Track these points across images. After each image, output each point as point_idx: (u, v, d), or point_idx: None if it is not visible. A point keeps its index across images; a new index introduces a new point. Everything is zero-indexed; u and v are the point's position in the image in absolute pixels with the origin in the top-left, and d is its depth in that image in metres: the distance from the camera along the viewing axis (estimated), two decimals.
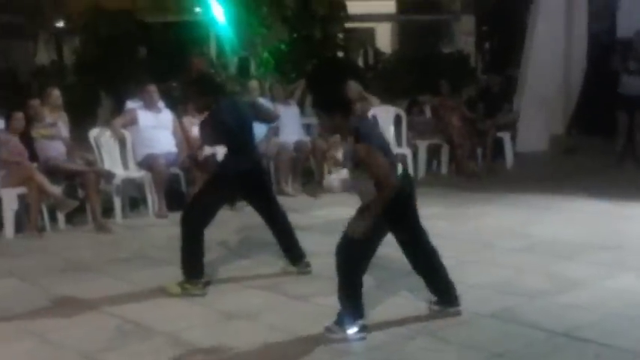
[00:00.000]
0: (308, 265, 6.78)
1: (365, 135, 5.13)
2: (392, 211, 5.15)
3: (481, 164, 11.78)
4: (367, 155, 5.05)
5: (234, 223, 8.70)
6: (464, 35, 19.71)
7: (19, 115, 8.83)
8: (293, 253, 6.80)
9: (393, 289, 6.19)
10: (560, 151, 12.85)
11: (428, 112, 12.20)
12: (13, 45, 21.74)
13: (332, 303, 5.82)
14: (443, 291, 5.62)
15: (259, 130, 9.59)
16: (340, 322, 5.28)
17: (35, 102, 9.31)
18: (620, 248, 7.34)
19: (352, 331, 5.25)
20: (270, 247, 7.13)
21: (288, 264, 6.80)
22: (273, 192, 7.29)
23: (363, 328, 5.28)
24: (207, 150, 8.95)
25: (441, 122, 11.64)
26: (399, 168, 5.35)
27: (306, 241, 7.78)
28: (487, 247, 7.49)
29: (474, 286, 6.26)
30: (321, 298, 6.01)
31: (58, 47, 21.55)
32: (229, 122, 6.43)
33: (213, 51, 15.24)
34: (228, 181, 6.48)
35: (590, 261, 6.96)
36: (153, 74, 12.71)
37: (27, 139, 8.83)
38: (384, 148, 5.25)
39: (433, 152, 11.73)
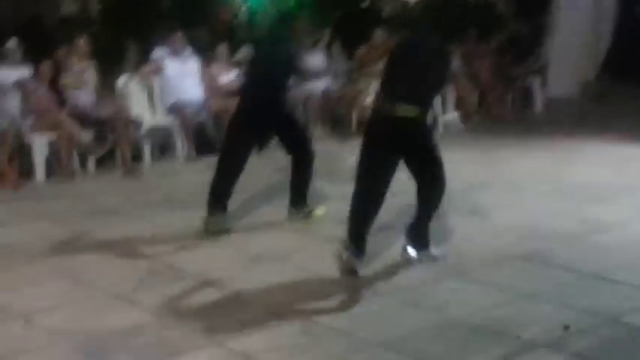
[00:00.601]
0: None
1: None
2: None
3: (511, 109, 11.69)
4: None
5: (262, 169, 8.71)
6: None
7: (47, 64, 8.85)
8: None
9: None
10: (591, 96, 12.70)
11: (457, 59, 12.04)
12: None
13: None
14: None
15: None
16: (424, 247, 5.52)
17: (62, 51, 9.32)
18: None
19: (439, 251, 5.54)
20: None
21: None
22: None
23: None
24: None
25: (470, 68, 11.51)
26: None
27: (335, 185, 7.82)
28: (518, 191, 7.46)
29: (504, 228, 6.25)
30: None
31: None
32: None
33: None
34: None
35: (622, 203, 6.93)
36: (179, 21, 12.65)
37: (55, 87, 8.85)
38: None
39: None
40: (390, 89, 5.32)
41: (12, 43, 9.44)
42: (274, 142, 9.32)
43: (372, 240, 5.49)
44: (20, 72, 9.08)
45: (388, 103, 5.26)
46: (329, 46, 12.55)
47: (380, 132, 5.33)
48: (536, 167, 8.41)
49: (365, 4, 15.94)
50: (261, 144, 9.47)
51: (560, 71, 12.50)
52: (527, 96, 11.91)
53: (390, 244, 5.82)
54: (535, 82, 11.94)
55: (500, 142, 9.59)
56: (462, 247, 5.79)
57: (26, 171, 8.44)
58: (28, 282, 5.44)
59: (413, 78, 5.23)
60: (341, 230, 6.26)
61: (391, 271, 5.46)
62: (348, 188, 7.32)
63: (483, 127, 10.87)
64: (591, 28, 13.17)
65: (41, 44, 11.66)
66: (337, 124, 10.68)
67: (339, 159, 8.93)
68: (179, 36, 9.89)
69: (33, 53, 9.50)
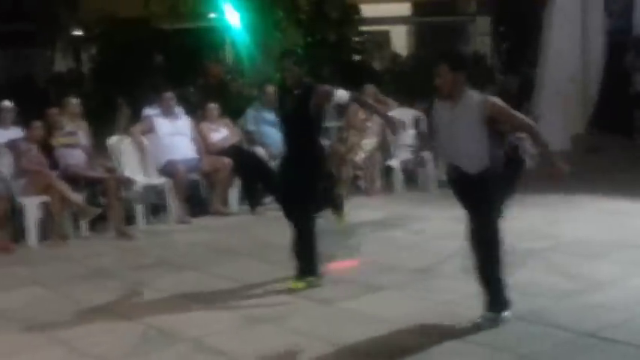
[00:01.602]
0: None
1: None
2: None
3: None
4: (502, 105, 5.26)
5: (256, 228, 8.71)
6: (480, 36, 19.64)
7: (38, 124, 8.88)
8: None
9: (414, 292, 6.17)
10: (583, 150, 12.76)
11: None
12: (30, 53, 21.85)
13: (356, 307, 5.83)
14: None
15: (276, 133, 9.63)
16: (494, 309, 5.41)
17: (54, 111, 9.37)
18: None
19: (505, 313, 5.43)
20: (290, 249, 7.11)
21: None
22: None
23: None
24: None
25: None
26: None
27: (328, 243, 7.79)
28: (512, 249, 7.42)
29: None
30: (345, 302, 6.02)
31: (75, 55, 21.62)
32: None
33: (229, 56, 15.26)
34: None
35: (616, 260, 6.91)
36: (170, 80, 12.73)
37: (47, 148, 8.86)
38: None
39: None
40: None
41: (5, 104, 9.47)
42: (268, 200, 9.40)
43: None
44: (11, 132, 9.10)
45: None
46: None
47: None
48: (529, 224, 8.39)
49: (356, 59, 16.12)
50: (254, 201, 9.53)
51: (550, 125, 12.54)
52: (517, 151, 11.91)
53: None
54: (525, 138, 11.97)
55: None
56: (457, 308, 5.76)
57: (19, 234, 8.39)
58: (22, 349, 5.40)
59: None
60: (333, 291, 6.26)
61: (388, 332, 5.41)
62: (341, 247, 7.37)
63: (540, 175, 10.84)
64: (580, 82, 13.31)
65: (33, 103, 11.72)
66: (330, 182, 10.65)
67: (331, 218, 8.92)
68: (169, 95, 9.94)
69: (25, 113, 9.53)
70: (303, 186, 6.44)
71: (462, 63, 5.42)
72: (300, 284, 6.40)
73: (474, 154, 5.31)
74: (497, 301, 5.46)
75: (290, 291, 6.36)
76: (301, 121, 6.45)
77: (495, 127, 5.29)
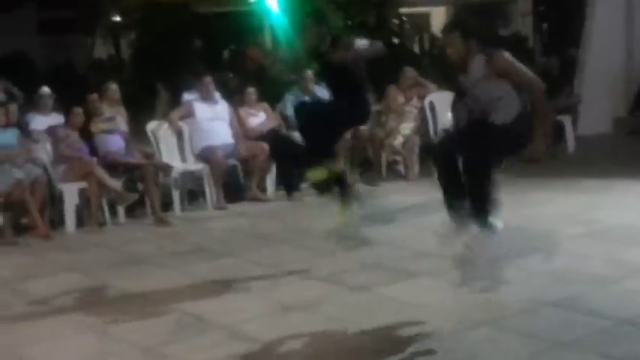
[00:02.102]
0: None
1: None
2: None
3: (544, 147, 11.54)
4: (510, 59, 5.14)
5: (293, 214, 8.70)
6: (521, 16, 19.38)
7: (78, 111, 8.94)
8: None
9: (450, 278, 6.09)
10: (624, 133, 12.56)
11: None
12: (71, 40, 22.08)
13: (392, 293, 5.79)
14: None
15: None
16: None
17: (94, 97, 9.41)
18: None
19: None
20: (326, 236, 7.10)
21: None
22: None
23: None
24: None
25: None
26: None
27: (365, 230, 7.76)
28: (549, 234, 7.29)
29: (535, 273, 6.13)
30: (382, 287, 5.98)
31: (115, 41, 21.81)
32: None
33: (267, 41, 15.24)
34: None
35: None
36: (209, 65, 12.76)
37: (86, 134, 8.93)
38: None
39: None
40: None
41: (44, 90, 9.57)
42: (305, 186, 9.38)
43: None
44: (52, 119, 9.19)
45: None
46: None
47: None
48: (568, 209, 8.28)
49: (395, 42, 16.00)
50: (291, 187, 9.52)
51: (592, 108, 12.39)
52: (558, 134, 11.77)
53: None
54: (566, 120, 11.83)
55: (530, 183, 9.46)
56: (493, 294, 5.69)
57: (57, 220, 8.48)
58: (58, 335, 5.45)
59: None
60: (368, 277, 6.24)
61: (423, 319, 5.39)
62: (378, 233, 7.33)
63: (513, 167, 10.72)
64: (623, 63, 13.08)
65: (73, 89, 11.84)
66: (366, 166, 10.62)
67: (368, 203, 8.88)
68: (208, 80, 9.94)
69: (65, 99, 9.61)
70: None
71: (474, 30, 5.32)
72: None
73: (501, 105, 5.18)
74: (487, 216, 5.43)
75: (321, 278, 6.35)
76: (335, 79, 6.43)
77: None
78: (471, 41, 5.23)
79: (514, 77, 5.15)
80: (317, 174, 6.40)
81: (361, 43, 6.32)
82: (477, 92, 5.28)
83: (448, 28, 5.42)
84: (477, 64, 5.21)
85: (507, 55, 5.19)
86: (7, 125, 8.64)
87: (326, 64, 6.52)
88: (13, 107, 9.08)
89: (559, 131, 11.78)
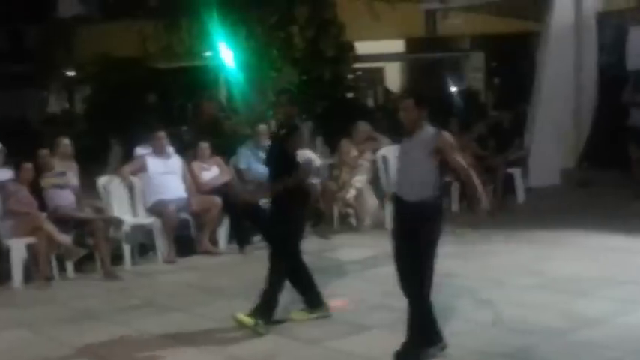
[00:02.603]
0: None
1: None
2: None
3: (492, 201, 11.64)
4: (450, 141, 5.45)
5: (244, 267, 8.64)
6: (473, 72, 19.70)
7: (29, 166, 8.83)
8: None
9: (402, 331, 6.08)
10: (573, 185, 12.73)
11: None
12: (26, 94, 21.94)
13: (345, 347, 5.76)
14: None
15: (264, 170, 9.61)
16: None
17: (44, 152, 9.31)
18: (635, 283, 7.22)
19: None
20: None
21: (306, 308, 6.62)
22: None
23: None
24: None
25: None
26: None
27: (318, 282, 7.73)
28: (499, 285, 7.39)
29: (486, 325, 6.16)
30: (335, 341, 5.96)
31: (69, 96, 21.75)
32: None
33: (223, 95, 15.29)
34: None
35: (606, 297, 6.85)
36: (163, 119, 12.75)
37: (37, 189, 8.82)
38: None
39: (443, 190, 11.60)
40: None
41: None
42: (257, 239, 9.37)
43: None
44: (1, 174, 9.06)
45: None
46: (311, 140, 12.63)
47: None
48: (518, 260, 8.36)
49: (347, 95, 16.16)
50: (243, 241, 9.50)
51: (541, 160, 12.56)
52: (508, 187, 11.90)
53: None
54: (517, 172, 11.98)
55: (481, 236, 9.53)
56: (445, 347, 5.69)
57: (3, 275, 8.32)
58: None
59: None
60: (321, 330, 6.20)
61: None
62: (332, 285, 7.32)
63: (464, 219, 10.81)
64: (571, 118, 13.33)
65: (26, 144, 11.73)
66: (318, 219, 10.61)
67: (321, 256, 8.88)
68: (161, 135, 9.92)
69: (17, 154, 9.50)
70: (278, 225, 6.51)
71: (426, 100, 5.61)
72: (247, 320, 6.28)
73: (418, 182, 5.48)
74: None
75: (273, 331, 6.28)
76: (280, 161, 6.49)
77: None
78: (423, 110, 5.49)
79: (447, 158, 5.44)
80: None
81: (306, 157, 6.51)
82: (402, 164, 5.66)
83: (404, 94, 5.69)
84: (425, 134, 5.47)
85: (449, 137, 5.48)
86: None
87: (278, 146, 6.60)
88: None
89: (509, 183, 11.92)
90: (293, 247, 6.54)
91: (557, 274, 7.69)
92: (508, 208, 11.43)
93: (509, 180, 11.89)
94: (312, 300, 6.56)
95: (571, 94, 13.25)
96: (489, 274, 7.77)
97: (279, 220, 6.51)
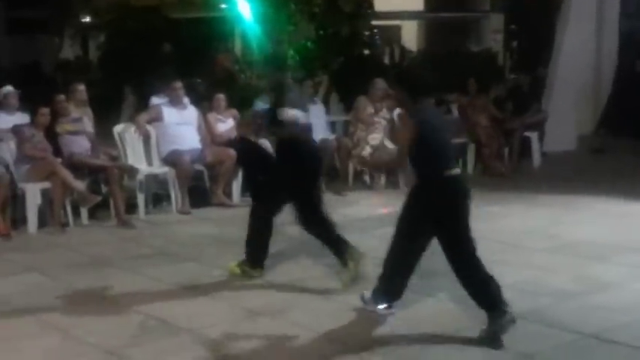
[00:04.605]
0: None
1: (419, 117, 5.29)
2: (441, 208, 5.23)
3: (507, 164, 11.63)
4: (402, 130, 5.44)
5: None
6: (492, 33, 19.53)
7: (45, 111, 8.79)
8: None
9: (415, 288, 6.09)
10: (588, 151, 12.68)
11: (455, 111, 12.07)
12: (39, 40, 21.87)
13: (356, 301, 5.76)
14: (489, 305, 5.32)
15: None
16: (375, 298, 5.51)
17: (61, 97, 9.27)
18: None
19: (382, 306, 5.49)
20: (292, 244, 7.06)
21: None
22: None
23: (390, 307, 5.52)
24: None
25: (468, 121, 11.51)
26: (455, 169, 5.33)
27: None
28: (514, 248, 7.39)
29: (501, 286, 6.14)
30: (346, 295, 5.94)
31: (83, 43, 21.62)
32: None
33: (238, 48, 15.19)
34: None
35: (620, 262, 6.85)
36: (178, 70, 12.68)
37: (52, 134, 8.80)
38: (438, 138, 5.31)
39: (459, 152, 11.57)
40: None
41: (9, 89, 9.41)
42: None
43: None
44: (17, 118, 9.04)
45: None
46: (326, 96, 12.57)
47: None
48: (533, 224, 8.34)
49: (364, 52, 16.04)
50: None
51: (558, 125, 12.49)
52: (525, 150, 11.86)
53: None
54: (533, 137, 11.92)
55: (496, 198, 9.50)
56: (456, 305, 5.70)
57: (18, 220, 8.34)
58: (18, 336, 5.35)
59: None
60: (333, 284, 6.22)
61: (388, 327, 5.39)
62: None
63: (479, 182, 10.79)
64: (591, 82, 13.22)
65: (39, 89, 11.71)
66: (333, 176, 10.60)
67: (334, 212, 8.86)
68: (178, 85, 9.86)
69: (30, 99, 9.47)
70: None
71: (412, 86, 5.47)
72: (237, 269, 6.49)
73: None
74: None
75: (286, 285, 6.33)
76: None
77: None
78: (400, 93, 5.43)
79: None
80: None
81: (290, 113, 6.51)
82: None
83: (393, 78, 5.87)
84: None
85: (410, 125, 5.28)
86: None
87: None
88: None
89: (526, 147, 11.87)
90: (265, 199, 6.60)
91: (572, 238, 7.69)
92: (523, 172, 11.41)
93: (526, 143, 11.85)
94: (254, 257, 6.56)
95: (591, 59, 13.14)
96: (503, 237, 7.75)
97: (265, 169, 6.74)
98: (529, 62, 14.87)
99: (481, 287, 5.24)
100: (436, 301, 5.95)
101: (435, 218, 5.27)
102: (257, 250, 6.53)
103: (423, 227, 5.34)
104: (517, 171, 11.46)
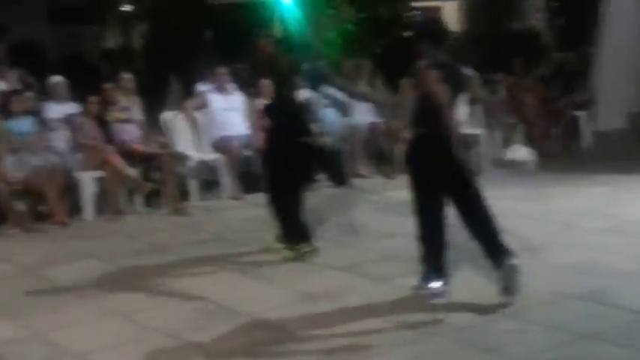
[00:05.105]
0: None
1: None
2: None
3: (557, 144, 11.53)
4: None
5: (308, 204, 8.66)
6: (535, 11, 19.25)
7: (94, 99, 8.91)
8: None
9: (474, 270, 6.08)
10: (639, 129, 12.50)
11: (501, 92, 11.97)
12: (81, 29, 22.00)
13: (412, 284, 5.77)
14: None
15: (331, 113, 9.58)
16: (425, 279, 5.52)
17: (109, 86, 9.39)
18: None
19: (435, 285, 5.49)
20: (344, 228, 7.08)
21: None
22: None
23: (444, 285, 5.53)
24: None
25: (515, 102, 11.42)
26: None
27: (382, 221, 7.77)
28: (570, 228, 7.33)
29: (558, 267, 6.13)
30: (401, 279, 5.93)
31: (126, 31, 21.73)
32: None
33: (278, 32, 15.19)
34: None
35: None
36: (219, 56, 12.72)
37: (102, 123, 8.90)
38: None
39: (508, 132, 11.49)
40: None
41: (59, 79, 9.55)
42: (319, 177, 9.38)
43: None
44: (67, 107, 9.17)
45: None
46: (372, 78, 12.52)
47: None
48: (588, 204, 8.25)
49: (407, 35, 15.95)
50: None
51: (608, 104, 12.31)
52: (574, 130, 11.74)
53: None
54: (582, 116, 11.79)
55: (547, 178, 9.42)
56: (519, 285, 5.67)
57: (75, 208, 8.47)
58: (79, 321, 5.46)
59: None
60: (388, 268, 6.23)
61: (446, 309, 5.38)
62: (394, 225, 7.35)
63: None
64: (639, 59, 13.01)
65: (83, 79, 11.82)
66: (381, 159, 10.60)
67: (382, 195, 8.90)
68: (223, 71, 9.91)
69: (76, 89, 9.59)
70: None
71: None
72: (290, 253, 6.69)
73: None
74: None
75: (342, 268, 6.36)
76: None
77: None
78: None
79: None
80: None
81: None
82: None
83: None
84: None
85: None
86: (24, 113, 8.63)
87: None
88: (30, 95, 9.08)
89: (574, 126, 11.76)
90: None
91: (629, 218, 7.58)
92: (573, 152, 11.31)
93: (575, 123, 11.73)
94: (293, 236, 6.78)
95: (638, 34, 12.91)
96: (557, 217, 7.70)
97: None
98: (574, 40, 14.66)
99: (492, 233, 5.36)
100: (490, 280, 5.92)
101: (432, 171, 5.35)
102: (292, 229, 6.70)
103: (431, 188, 5.41)
104: (567, 151, 11.35)
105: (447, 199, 5.44)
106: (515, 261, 5.33)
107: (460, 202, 5.42)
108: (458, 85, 5.41)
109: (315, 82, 7.32)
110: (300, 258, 6.59)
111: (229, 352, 4.85)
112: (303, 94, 6.97)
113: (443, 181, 5.37)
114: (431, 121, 5.25)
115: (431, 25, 5.92)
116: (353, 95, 8.22)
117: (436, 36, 5.55)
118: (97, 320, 5.46)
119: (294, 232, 6.71)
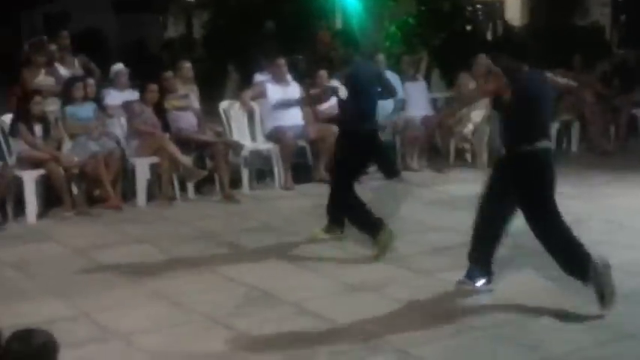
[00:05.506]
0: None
1: (517, 85, 5.22)
2: (525, 179, 5.27)
3: (614, 142, 11.36)
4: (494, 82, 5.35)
5: (360, 194, 8.71)
6: (599, 6, 18.94)
7: (154, 87, 9.05)
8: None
9: (519, 266, 6.07)
10: None
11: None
12: (144, 18, 22.34)
13: (454, 279, 5.78)
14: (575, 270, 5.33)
15: (386, 105, 9.57)
16: (470, 276, 5.59)
17: (169, 74, 9.53)
18: None
19: (480, 282, 5.56)
20: (392, 220, 7.10)
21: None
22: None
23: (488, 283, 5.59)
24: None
25: (573, 98, 11.27)
26: (545, 141, 5.35)
27: (430, 215, 7.78)
28: (622, 228, 7.25)
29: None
30: (445, 273, 5.97)
31: (187, 21, 22.00)
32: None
33: (339, 24, 15.21)
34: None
35: None
36: (279, 47, 12.81)
37: (160, 110, 9.05)
38: (534, 108, 5.29)
39: (564, 129, 11.37)
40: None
41: (120, 67, 9.75)
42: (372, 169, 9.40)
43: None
44: (126, 95, 9.36)
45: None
46: (428, 72, 12.50)
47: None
48: (633, 202, 8.14)
49: (466, 28, 15.85)
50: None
51: None
52: (631, 128, 11.55)
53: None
54: None
55: (602, 177, 9.32)
56: (561, 283, 5.65)
57: (128, 193, 8.65)
58: (128, 303, 5.60)
59: None
60: (433, 261, 6.24)
61: (487, 305, 5.40)
62: (441, 220, 7.36)
63: (585, 160, 10.59)
64: None
65: (145, 67, 12.02)
66: (435, 153, 10.58)
67: (434, 190, 8.89)
68: (282, 62, 9.98)
69: (137, 76, 9.76)
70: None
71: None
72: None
73: None
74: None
75: (386, 261, 6.40)
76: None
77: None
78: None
79: None
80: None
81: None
82: None
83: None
84: None
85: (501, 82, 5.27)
86: (85, 99, 8.85)
87: None
88: (91, 82, 9.29)
89: (633, 124, 11.56)
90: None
91: None
92: (631, 150, 11.13)
93: (633, 121, 11.54)
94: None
95: None
96: (610, 216, 7.62)
97: None
98: (637, 37, 14.40)
99: (569, 250, 5.26)
100: (532, 277, 5.91)
101: (522, 190, 5.31)
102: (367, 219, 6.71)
103: (508, 199, 5.39)
104: (624, 149, 11.17)
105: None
106: (597, 261, 5.18)
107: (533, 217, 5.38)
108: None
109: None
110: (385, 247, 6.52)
111: (273, 340, 4.94)
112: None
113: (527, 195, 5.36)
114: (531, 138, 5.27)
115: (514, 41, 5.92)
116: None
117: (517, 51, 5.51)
118: (144, 303, 5.59)
119: (370, 221, 6.64)
